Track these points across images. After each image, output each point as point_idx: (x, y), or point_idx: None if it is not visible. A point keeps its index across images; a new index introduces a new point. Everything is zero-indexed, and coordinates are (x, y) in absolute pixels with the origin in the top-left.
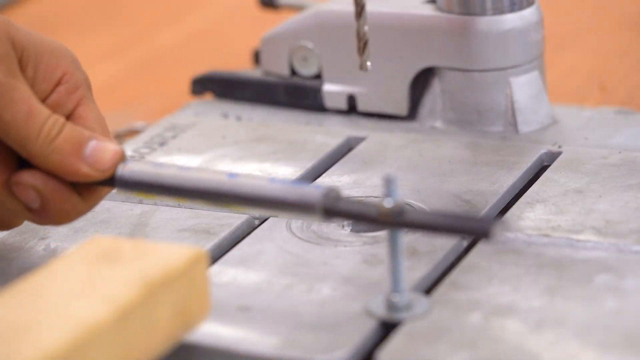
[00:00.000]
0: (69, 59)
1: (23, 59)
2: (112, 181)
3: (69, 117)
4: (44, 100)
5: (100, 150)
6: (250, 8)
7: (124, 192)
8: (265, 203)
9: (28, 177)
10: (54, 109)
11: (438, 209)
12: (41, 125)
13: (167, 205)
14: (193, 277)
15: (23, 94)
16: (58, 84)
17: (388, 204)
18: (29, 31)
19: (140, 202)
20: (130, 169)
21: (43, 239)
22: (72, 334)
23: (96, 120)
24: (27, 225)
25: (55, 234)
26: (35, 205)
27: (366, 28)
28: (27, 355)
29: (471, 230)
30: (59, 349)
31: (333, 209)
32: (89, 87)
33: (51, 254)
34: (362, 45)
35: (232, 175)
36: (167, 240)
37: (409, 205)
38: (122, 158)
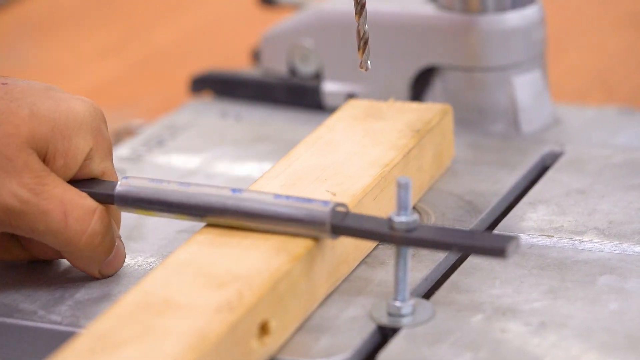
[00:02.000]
0: (95, 130)
1: (49, 152)
2: (111, 198)
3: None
4: (74, 178)
5: (115, 259)
6: (248, 6)
7: (124, 209)
8: (271, 220)
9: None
10: (87, 174)
11: (450, 227)
12: (83, 231)
13: None
14: (444, 127)
15: (53, 200)
16: (86, 159)
17: (399, 220)
18: (54, 114)
19: None
20: (129, 184)
21: None
22: (376, 175)
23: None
24: None
25: None
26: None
27: (366, 26)
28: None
29: (486, 249)
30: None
31: (342, 225)
32: (110, 154)
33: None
34: (362, 43)
35: (235, 190)
36: (165, 241)
37: (415, 210)
38: (124, 258)
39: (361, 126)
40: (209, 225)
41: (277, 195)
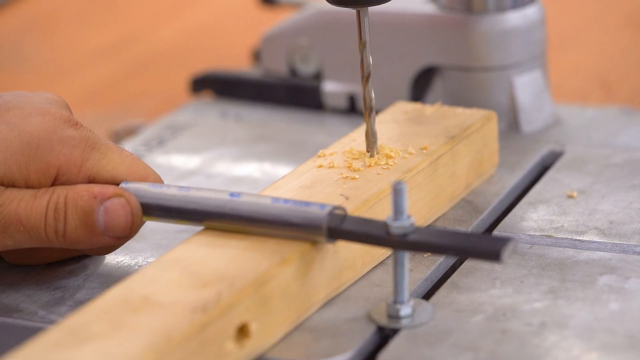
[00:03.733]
0: (58, 145)
1: (7, 181)
2: None
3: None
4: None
5: (112, 216)
6: (249, 7)
7: None
8: (268, 224)
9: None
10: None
11: (448, 229)
12: (42, 228)
13: None
14: (485, 134)
15: (6, 215)
16: (57, 178)
17: (394, 224)
18: (5, 141)
19: None
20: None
21: None
22: (397, 177)
23: (117, 167)
24: None
25: None
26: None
27: (370, 60)
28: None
29: (481, 252)
30: (388, 188)
31: (338, 229)
32: (91, 146)
33: None
34: (366, 77)
35: (234, 194)
36: (165, 241)
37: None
38: (132, 210)
39: (398, 129)
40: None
41: (275, 199)
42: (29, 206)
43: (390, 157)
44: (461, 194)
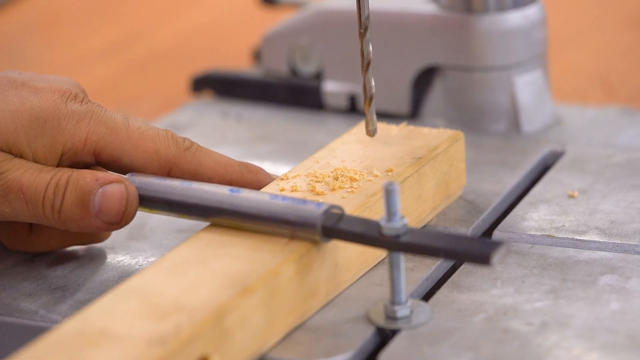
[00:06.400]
0: (64, 121)
1: (14, 151)
2: None
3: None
4: (61, 162)
5: (107, 200)
6: (249, 6)
7: None
8: (265, 220)
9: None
10: (76, 164)
11: (441, 231)
12: (39, 203)
13: None
14: (452, 155)
15: (11, 184)
16: (64, 154)
17: (387, 225)
18: (17, 114)
19: None
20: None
21: None
22: (362, 202)
23: (124, 140)
24: None
25: None
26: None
27: (370, 48)
28: None
29: (472, 256)
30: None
31: (333, 229)
32: (98, 120)
33: (48, 254)
34: (366, 64)
35: (233, 190)
36: (166, 241)
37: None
38: (128, 197)
39: (363, 151)
40: (184, 244)
41: (273, 196)
42: (33, 177)
43: (355, 180)
44: (427, 217)
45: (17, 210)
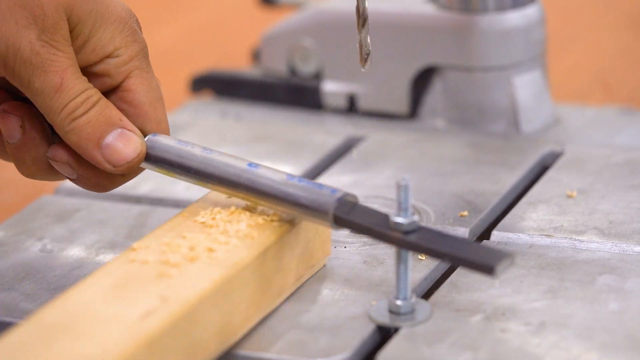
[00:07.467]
0: (128, 31)
1: (76, 30)
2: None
3: (117, 88)
4: (90, 68)
5: (121, 143)
6: (248, 6)
7: (145, 165)
8: (278, 200)
9: (62, 154)
10: (100, 79)
11: (451, 234)
12: (68, 101)
13: (165, 206)
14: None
15: (59, 65)
16: (108, 56)
17: (396, 220)
18: (95, 3)
19: (138, 203)
20: (153, 142)
21: (40, 239)
22: (221, 274)
23: (146, 93)
24: (25, 224)
25: (52, 235)
26: (73, 177)
27: (369, 39)
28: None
29: (477, 264)
30: (211, 288)
31: (344, 218)
32: (145, 57)
33: (47, 255)
34: (365, 56)
35: (252, 165)
36: None
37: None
38: (141, 157)
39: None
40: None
41: (290, 176)
42: (76, 75)
43: (212, 250)
44: (290, 289)
45: (34, 89)
